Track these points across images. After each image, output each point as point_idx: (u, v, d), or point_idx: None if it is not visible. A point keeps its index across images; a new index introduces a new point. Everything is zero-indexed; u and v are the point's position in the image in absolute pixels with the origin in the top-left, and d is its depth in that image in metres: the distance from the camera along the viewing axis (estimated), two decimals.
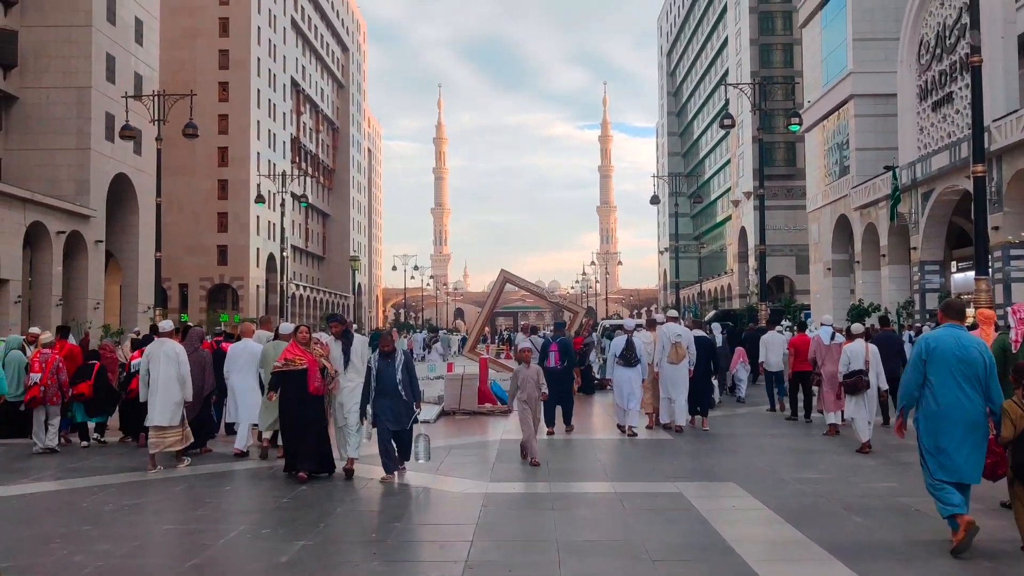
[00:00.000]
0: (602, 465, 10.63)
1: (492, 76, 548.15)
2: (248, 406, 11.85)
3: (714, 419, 15.65)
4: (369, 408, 9.72)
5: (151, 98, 34.27)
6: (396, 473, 9.70)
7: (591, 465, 10.62)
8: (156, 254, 34.26)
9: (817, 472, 10.00)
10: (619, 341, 14.13)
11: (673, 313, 15.63)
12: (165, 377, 10.79)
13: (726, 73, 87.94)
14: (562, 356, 14.06)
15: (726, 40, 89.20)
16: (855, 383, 12.16)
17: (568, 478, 9.68)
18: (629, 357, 13.69)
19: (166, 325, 12.07)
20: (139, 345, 14.11)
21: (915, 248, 39.12)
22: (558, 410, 13.81)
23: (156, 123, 33.60)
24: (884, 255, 42.95)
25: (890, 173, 38.72)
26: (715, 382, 17.05)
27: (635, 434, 13.51)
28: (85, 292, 46.85)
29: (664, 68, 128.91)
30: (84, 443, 13.29)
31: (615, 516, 7.72)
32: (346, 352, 10.08)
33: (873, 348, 12.62)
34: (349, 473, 9.89)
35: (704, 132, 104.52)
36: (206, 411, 12.30)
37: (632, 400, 13.62)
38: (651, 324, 15.52)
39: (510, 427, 14.99)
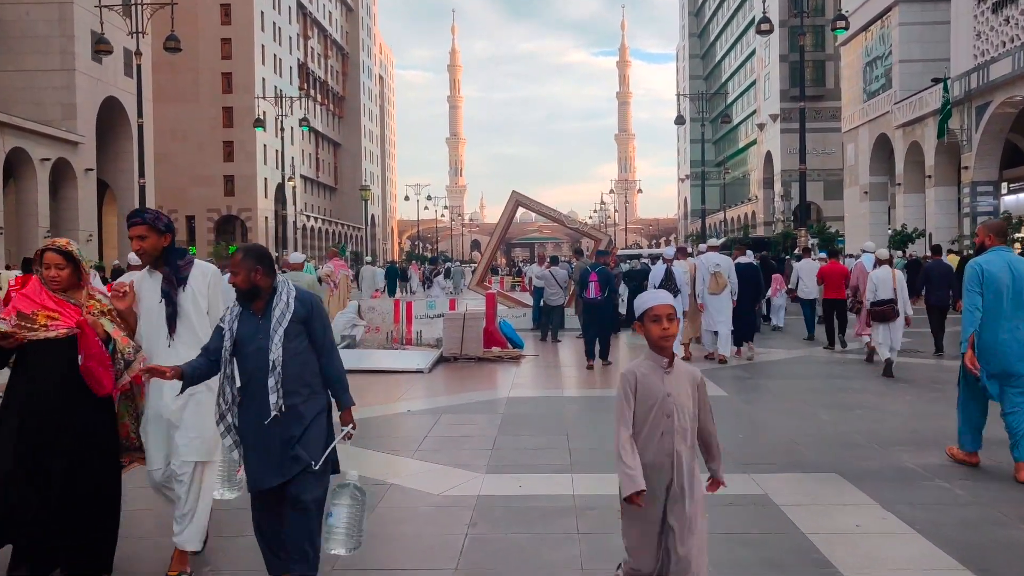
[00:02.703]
0: None
1: (504, 2, 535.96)
2: None
3: (764, 364, 13.51)
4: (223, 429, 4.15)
5: (130, 6, 31.15)
6: None
7: None
8: (140, 180, 31.64)
9: (943, 456, 7.07)
10: (658, 271, 13.30)
11: (714, 242, 14.88)
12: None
13: None
14: (602, 286, 13.30)
15: None
16: (884, 311, 11.74)
17: (598, 463, 6.66)
18: (669, 287, 12.66)
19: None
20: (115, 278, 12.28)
21: (966, 168, 35.75)
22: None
23: (135, 35, 30.59)
24: (930, 176, 39.62)
25: (939, 86, 35.30)
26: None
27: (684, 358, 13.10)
28: (76, 223, 44.14)
29: None
30: None
31: None
32: (170, 298, 4.58)
33: (900, 275, 12.20)
34: None
35: (728, 53, 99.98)
36: None
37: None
38: (682, 252, 15.06)
39: (522, 378, 12.27)
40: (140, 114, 31.10)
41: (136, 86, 31.40)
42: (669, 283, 12.89)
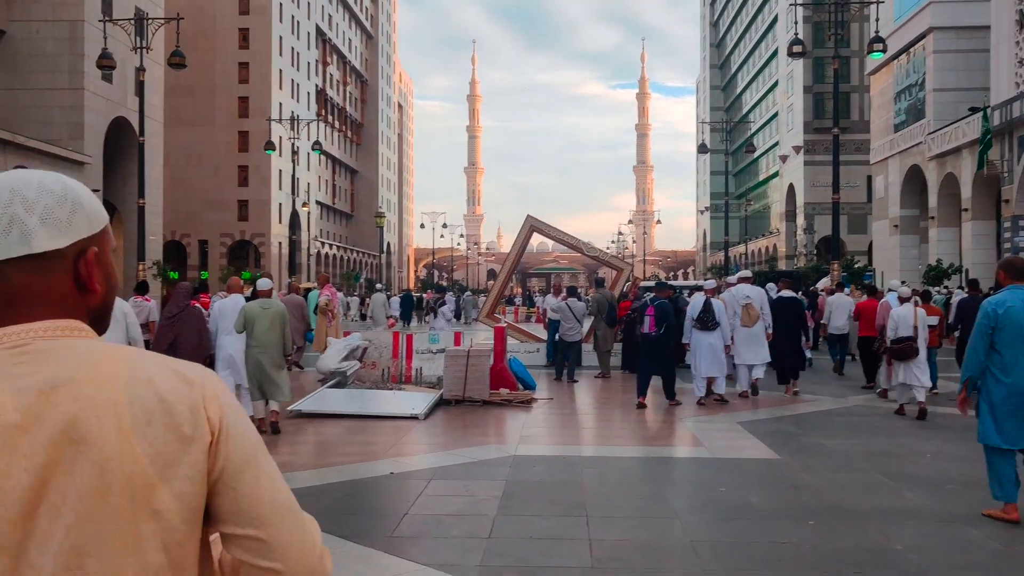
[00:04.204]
0: (686, 531, 6.00)
1: (523, 34, 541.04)
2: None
3: (813, 416, 11.81)
4: None
5: (131, 22, 30.00)
6: None
7: (667, 528, 6.04)
8: (139, 201, 30.39)
9: None
10: (697, 303, 12.92)
11: (745, 273, 14.59)
12: (113, 342, 7.70)
13: (775, 20, 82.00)
14: (659, 320, 12.29)
15: None
16: (903, 349, 11.53)
17: (629, 565, 4.98)
18: (707, 320, 12.58)
19: None
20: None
21: (1007, 201, 33.96)
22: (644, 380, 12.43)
23: (139, 51, 29.39)
24: (966, 209, 37.84)
25: (976, 116, 33.69)
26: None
27: (726, 401, 12.65)
28: None
29: (707, 18, 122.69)
30: None
31: None
32: None
33: (921, 312, 12.13)
34: None
35: (749, 84, 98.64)
36: None
37: (716, 367, 12.70)
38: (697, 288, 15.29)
39: (533, 428, 10.58)
40: (142, 132, 29.86)
41: (139, 103, 30.15)
42: (707, 315, 12.58)
